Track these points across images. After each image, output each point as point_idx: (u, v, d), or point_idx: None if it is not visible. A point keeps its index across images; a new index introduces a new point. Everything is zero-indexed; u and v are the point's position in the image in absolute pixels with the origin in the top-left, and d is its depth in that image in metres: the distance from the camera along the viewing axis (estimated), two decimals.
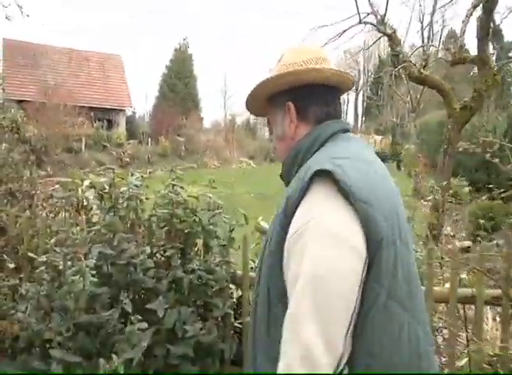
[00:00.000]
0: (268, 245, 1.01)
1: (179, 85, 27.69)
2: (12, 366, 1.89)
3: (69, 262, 1.89)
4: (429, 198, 10.49)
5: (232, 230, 2.43)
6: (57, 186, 3.68)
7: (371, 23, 6.35)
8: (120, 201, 2.20)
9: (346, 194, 0.90)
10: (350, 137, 1.11)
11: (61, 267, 1.85)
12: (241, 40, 70.51)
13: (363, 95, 44.79)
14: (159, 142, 20.52)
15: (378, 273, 0.89)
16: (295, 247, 0.90)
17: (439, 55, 10.26)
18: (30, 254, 2.85)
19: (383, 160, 1.13)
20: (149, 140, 21.80)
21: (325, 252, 0.87)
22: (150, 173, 17.09)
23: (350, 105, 47.34)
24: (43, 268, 1.96)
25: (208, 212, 2.57)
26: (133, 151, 18.60)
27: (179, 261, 2.27)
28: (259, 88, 1.15)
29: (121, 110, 23.20)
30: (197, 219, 2.48)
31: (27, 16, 6.47)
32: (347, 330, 0.86)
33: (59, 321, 1.83)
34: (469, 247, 6.10)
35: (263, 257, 1.04)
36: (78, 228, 2.65)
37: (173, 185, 2.56)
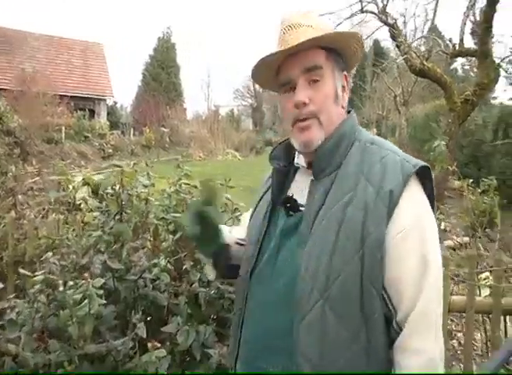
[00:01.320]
0: (346, 243, 0.93)
1: (162, 74, 27.06)
2: None
3: (71, 282, 1.58)
4: None
5: None
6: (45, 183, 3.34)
7: (372, 12, 6.10)
8: (128, 205, 1.88)
9: (431, 188, 1.00)
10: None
11: (61, 287, 1.54)
12: (227, 29, 69.48)
13: None
14: (143, 133, 19.95)
15: None
16: (410, 239, 0.92)
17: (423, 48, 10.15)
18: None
19: None
20: (131, 130, 21.20)
21: (438, 244, 0.95)
22: (134, 164, 16.63)
23: None
24: (38, 286, 1.64)
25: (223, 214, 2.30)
26: (116, 142, 18.05)
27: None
28: (335, 35, 1.01)
29: (102, 100, 22.49)
30: None
31: None
32: None
33: (59, 351, 1.53)
34: (466, 243, 5.97)
35: (335, 255, 0.93)
36: (73, 233, 2.34)
37: (180, 183, 2.27)
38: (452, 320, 2.77)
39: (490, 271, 2.53)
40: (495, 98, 16.61)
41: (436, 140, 4.69)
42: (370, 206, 0.93)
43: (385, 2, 5.94)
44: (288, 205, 1.08)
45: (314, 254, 0.95)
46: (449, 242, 5.29)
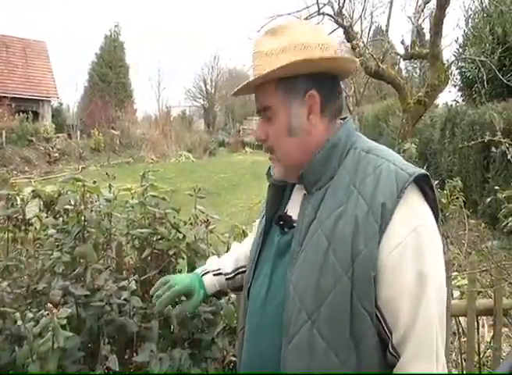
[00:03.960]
0: (334, 262, 0.87)
1: (110, 74, 26.16)
2: None
3: (30, 313, 1.38)
4: None
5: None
6: None
7: (328, 15, 6.13)
8: (90, 223, 1.69)
9: (433, 197, 0.92)
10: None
11: (19, 321, 1.34)
12: (176, 27, 68.42)
13: None
14: (91, 135, 19.17)
15: None
16: (405, 256, 0.85)
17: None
18: None
19: None
20: (78, 133, 20.34)
21: (438, 259, 0.88)
22: (82, 168, 15.93)
23: None
24: None
25: (191, 226, 2.16)
26: (63, 145, 17.24)
27: None
28: (282, 69, 0.93)
29: (46, 101, 21.44)
30: (180, 236, 2.05)
31: None
32: None
33: None
34: None
35: (324, 275, 0.88)
36: (26, 254, 2.10)
37: (146, 196, 2.11)
38: None
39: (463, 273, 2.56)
40: (437, 97, 17.41)
41: (395, 141, 4.76)
42: (360, 221, 0.87)
43: (340, 5, 5.99)
44: (281, 222, 1.04)
45: (303, 272, 0.90)
46: None
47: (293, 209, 1.03)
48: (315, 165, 0.97)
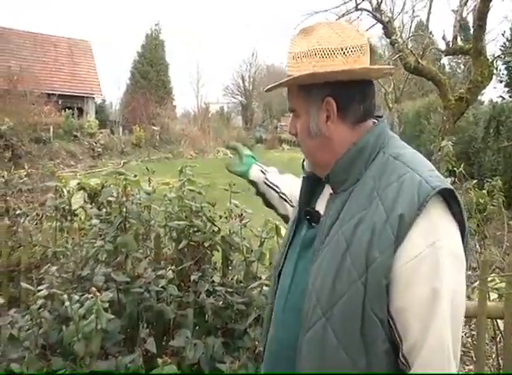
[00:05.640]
0: (350, 266, 0.89)
1: (151, 72, 26.78)
2: None
3: (76, 296, 1.49)
4: None
5: (263, 242, 2.08)
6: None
7: (366, 10, 6.05)
8: (131, 214, 1.79)
9: (459, 212, 0.90)
10: (396, 136, 1.06)
11: (66, 302, 1.45)
12: (217, 25, 69.00)
13: None
14: (133, 131, 19.72)
15: None
16: (420, 270, 0.84)
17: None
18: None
19: None
20: (121, 129, 20.97)
21: (457, 277, 0.87)
22: (124, 163, 16.43)
23: None
24: (41, 302, 1.56)
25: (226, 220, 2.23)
26: (106, 140, 17.83)
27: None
28: (298, 79, 0.97)
29: (91, 97, 22.23)
30: (215, 229, 2.13)
31: None
32: None
33: (65, 370, 1.45)
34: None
35: (339, 276, 0.90)
36: (71, 242, 2.25)
37: (184, 190, 2.19)
38: None
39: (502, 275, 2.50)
40: (481, 94, 16.72)
41: (436, 139, 4.64)
42: (377, 230, 0.87)
43: (379, 0, 5.90)
44: (308, 217, 1.07)
45: (321, 271, 0.93)
46: None
47: (321, 205, 1.06)
48: (339, 168, 0.99)
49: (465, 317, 2.23)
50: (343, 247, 0.91)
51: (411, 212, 0.85)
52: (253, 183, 1.48)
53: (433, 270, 0.84)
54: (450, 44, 6.69)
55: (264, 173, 1.47)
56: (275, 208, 1.46)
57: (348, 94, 0.99)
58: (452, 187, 0.89)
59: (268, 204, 1.48)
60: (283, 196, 1.41)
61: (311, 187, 1.11)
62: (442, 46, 7.74)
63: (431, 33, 16.99)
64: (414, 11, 8.26)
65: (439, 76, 6.19)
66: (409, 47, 7.93)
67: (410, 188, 0.88)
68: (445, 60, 19.09)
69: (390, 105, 12.79)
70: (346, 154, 0.98)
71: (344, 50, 0.97)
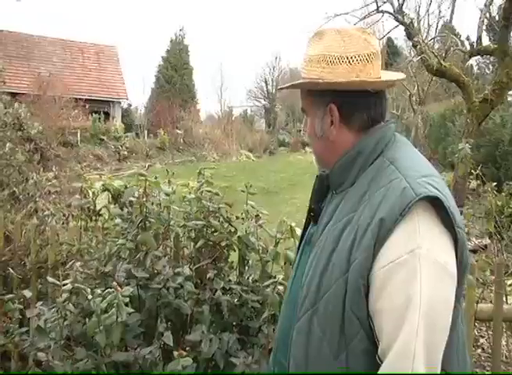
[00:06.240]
0: (334, 264, 0.94)
1: (175, 77, 27.18)
2: None
3: (98, 290, 1.59)
4: None
5: (278, 243, 2.13)
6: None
7: (388, 12, 6.04)
8: (151, 214, 1.88)
9: (449, 220, 0.88)
10: (404, 140, 1.07)
11: (89, 295, 1.54)
12: (240, 27, 69.42)
13: None
14: (157, 135, 20.08)
15: (459, 294, 0.93)
16: (397, 276, 0.85)
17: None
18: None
19: None
20: (146, 132, 21.35)
21: (437, 285, 0.85)
22: (149, 166, 16.74)
23: None
24: (66, 295, 1.65)
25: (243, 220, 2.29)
26: (131, 144, 18.19)
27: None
28: (302, 84, 1.04)
29: (117, 102, 22.72)
30: (232, 230, 2.20)
31: None
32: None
33: (87, 359, 1.54)
34: (486, 245, 5.86)
35: (326, 272, 0.95)
36: (95, 240, 2.35)
37: (202, 191, 2.27)
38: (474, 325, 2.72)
39: None
40: (510, 95, 16.28)
41: (460, 141, 4.58)
42: (360, 232, 0.90)
43: (400, 2, 5.87)
44: (312, 214, 1.14)
45: (312, 267, 0.99)
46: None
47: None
48: (337, 170, 1.04)
49: (481, 320, 2.24)
50: (331, 246, 0.96)
51: (392, 217, 0.86)
52: None
53: (409, 277, 0.84)
54: (475, 44, 6.60)
55: None
56: None
57: (351, 102, 1.01)
58: (437, 194, 0.88)
59: None
60: None
61: (321, 186, 1.15)
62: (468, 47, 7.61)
63: (458, 34, 16.72)
64: (440, 11, 8.15)
65: (462, 78, 6.11)
66: (434, 48, 7.85)
67: (394, 194, 0.89)
68: (473, 61, 18.67)
69: (415, 108, 12.62)
70: (343, 157, 1.03)
71: (349, 58, 0.99)
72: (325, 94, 1.02)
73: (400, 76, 1.14)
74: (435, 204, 0.88)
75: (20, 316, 1.86)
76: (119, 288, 1.47)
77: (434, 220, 0.88)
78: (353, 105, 1.02)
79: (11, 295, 1.88)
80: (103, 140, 17.34)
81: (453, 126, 12.42)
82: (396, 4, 6.03)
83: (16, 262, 2.69)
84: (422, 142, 12.55)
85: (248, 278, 2.21)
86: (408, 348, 0.83)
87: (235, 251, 2.26)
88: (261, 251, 2.15)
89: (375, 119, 1.03)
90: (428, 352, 0.83)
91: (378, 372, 0.86)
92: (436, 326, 0.85)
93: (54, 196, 3.92)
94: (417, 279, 0.84)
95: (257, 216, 2.23)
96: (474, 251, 5.83)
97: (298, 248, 1.20)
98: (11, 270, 2.44)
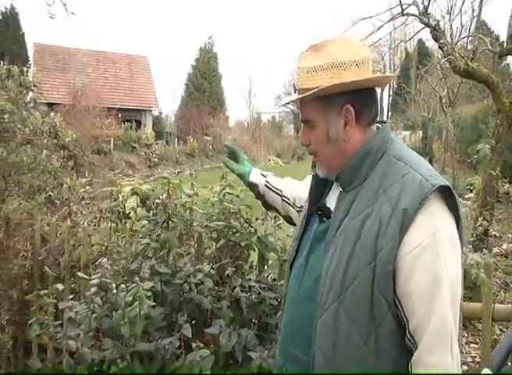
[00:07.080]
0: (359, 255, 1.01)
1: (204, 84, 27.62)
2: None
3: (122, 285, 1.70)
4: (467, 195, 10.05)
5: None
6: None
7: (413, 15, 6.01)
8: (175, 214, 2.00)
9: (454, 205, 1.02)
10: (397, 138, 1.17)
11: (114, 290, 1.66)
12: (268, 35, 69.97)
13: (389, 90, 43.78)
14: (187, 142, 20.47)
15: None
16: (422, 258, 0.95)
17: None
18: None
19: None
20: (176, 140, 21.79)
21: (455, 262, 0.98)
22: (178, 172, 17.08)
23: None
24: (94, 289, 1.78)
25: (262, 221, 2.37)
26: (161, 151, 18.62)
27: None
28: (317, 91, 1.07)
29: (148, 110, 23.33)
30: (252, 230, 2.28)
31: (72, 13, 6.01)
32: None
33: (113, 349, 1.66)
34: None
35: (350, 264, 1.02)
36: (123, 240, 2.49)
37: (225, 193, 2.36)
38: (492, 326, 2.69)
39: None
40: None
41: (481, 142, 4.54)
42: (384, 222, 0.99)
43: (425, 4, 5.84)
44: (319, 212, 1.20)
45: (334, 260, 1.05)
46: (496, 249, 5.11)
47: (331, 201, 1.18)
48: (349, 170, 1.11)
49: (500, 321, 2.23)
50: (352, 239, 1.03)
51: (414, 206, 0.97)
52: (253, 185, 1.60)
53: (434, 258, 0.96)
54: (504, 44, 6.47)
55: (265, 177, 1.60)
56: (277, 210, 1.60)
57: (362, 100, 1.11)
58: (448, 184, 1.01)
59: (268, 206, 1.62)
60: (286, 199, 1.54)
61: (320, 185, 1.23)
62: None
63: (492, 32, 16.26)
64: (473, 10, 8.02)
65: (491, 79, 6.00)
66: (468, 48, 7.72)
67: (412, 186, 1.00)
68: (510, 60, 18.07)
69: (445, 110, 12.40)
70: (354, 157, 1.11)
71: (356, 62, 1.09)
72: (337, 96, 1.09)
73: (392, 74, 1.27)
74: (442, 192, 1.00)
75: (54, 310, 2.00)
76: (140, 283, 1.57)
77: (443, 206, 1.01)
78: (364, 102, 1.12)
79: (46, 291, 2.02)
80: (135, 147, 17.84)
81: (486, 128, 12.11)
82: (421, 6, 6.00)
83: (52, 261, 2.87)
84: (453, 145, 12.28)
85: (267, 277, 2.28)
86: (445, 322, 0.95)
87: (254, 250, 2.34)
88: (279, 251, 2.22)
89: (377, 113, 1.14)
90: (455, 325, 0.96)
91: (419, 349, 0.96)
92: (457, 300, 0.99)
93: (87, 202, 4.12)
94: (441, 258, 0.96)
95: (275, 217, 2.32)
96: (505, 256, 5.70)
97: (298, 248, 1.24)
98: (47, 268, 2.61)
